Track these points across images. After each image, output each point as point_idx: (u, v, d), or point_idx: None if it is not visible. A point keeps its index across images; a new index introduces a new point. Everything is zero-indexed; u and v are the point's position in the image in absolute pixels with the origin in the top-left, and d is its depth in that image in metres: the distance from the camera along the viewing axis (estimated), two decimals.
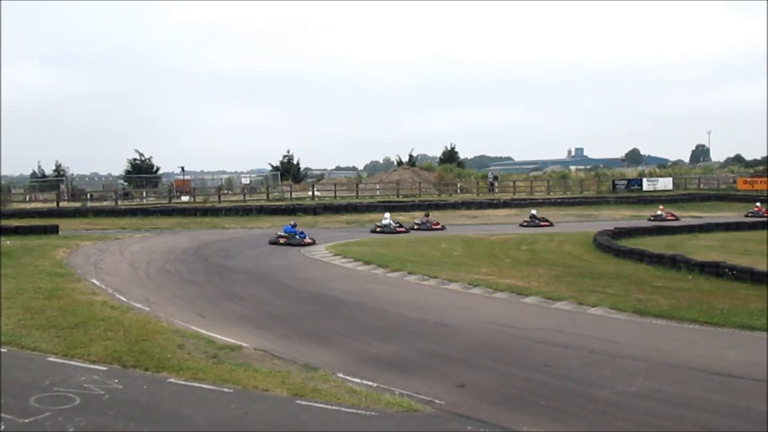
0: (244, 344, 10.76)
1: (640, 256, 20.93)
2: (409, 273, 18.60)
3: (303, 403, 7.87)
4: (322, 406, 7.76)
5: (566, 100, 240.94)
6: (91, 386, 8.12)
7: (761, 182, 54.94)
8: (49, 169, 61.49)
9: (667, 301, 14.60)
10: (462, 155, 75.50)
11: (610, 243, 23.66)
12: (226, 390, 8.23)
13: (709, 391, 8.72)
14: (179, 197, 48.11)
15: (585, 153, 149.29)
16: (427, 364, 10.04)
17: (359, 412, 7.63)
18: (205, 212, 39.27)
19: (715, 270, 17.83)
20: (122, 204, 44.30)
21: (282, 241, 25.58)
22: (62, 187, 51.15)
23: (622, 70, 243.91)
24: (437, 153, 76.52)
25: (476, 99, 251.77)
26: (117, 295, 14.74)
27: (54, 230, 28.12)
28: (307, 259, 21.29)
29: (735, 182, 57.97)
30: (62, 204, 42.84)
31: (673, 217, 37.53)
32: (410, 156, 67.90)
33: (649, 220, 37.12)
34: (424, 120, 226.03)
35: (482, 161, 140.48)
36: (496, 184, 57.84)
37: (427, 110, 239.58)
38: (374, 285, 17.17)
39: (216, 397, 7.96)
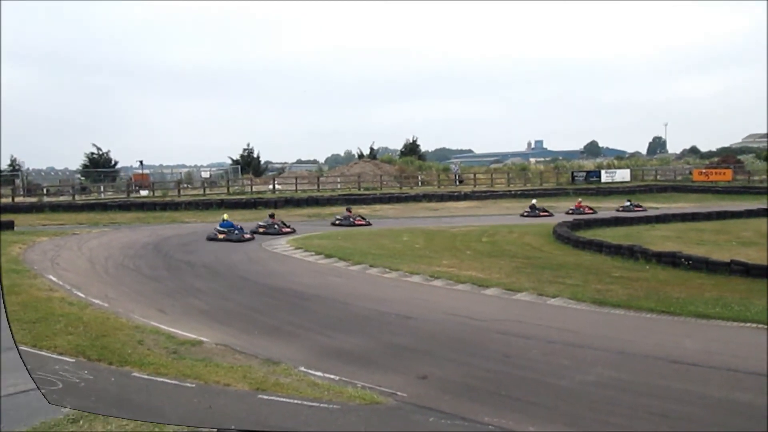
0: (204, 339, 10.67)
1: (599, 247, 21.19)
2: (371, 266, 18.61)
3: (265, 397, 7.85)
4: (284, 400, 7.74)
5: (526, 94, 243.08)
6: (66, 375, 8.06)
7: (716, 173, 56.11)
8: (3, 164, 60.21)
9: (624, 291, 14.83)
10: (423, 148, 75.67)
11: (569, 234, 23.91)
12: (188, 385, 8.16)
13: (666, 379, 8.88)
14: (138, 192, 47.42)
15: (545, 145, 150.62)
16: (389, 357, 10.07)
17: (321, 405, 7.62)
18: (165, 207, 38.79)
19: (671, 260, 18.13)
20: (79, 199, 43.51)
21: (221, 236, 24.93)
22: (17, 182, 50.14)
23: (580, 64, 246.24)
24: (398, 146, 76.56)
25: (437, 92, 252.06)
26: (75, 292, 14.52)
27: (9, 226, 27.49)
28: (268, 253, 21.15)
29: (691, 173, 58.95)
30: (18, 199, 42.05)
31: (591, 210, 36.24)
32: (371, 149, 67.69)
33: (567, 213, 35.51)
34: (385, 113, 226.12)
35: (443, 154, 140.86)
36: (458, 182, 58.02)
37: (389, 103, 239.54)
38: (336, 278, 17.14)
39: (178, 392, 7.89)
